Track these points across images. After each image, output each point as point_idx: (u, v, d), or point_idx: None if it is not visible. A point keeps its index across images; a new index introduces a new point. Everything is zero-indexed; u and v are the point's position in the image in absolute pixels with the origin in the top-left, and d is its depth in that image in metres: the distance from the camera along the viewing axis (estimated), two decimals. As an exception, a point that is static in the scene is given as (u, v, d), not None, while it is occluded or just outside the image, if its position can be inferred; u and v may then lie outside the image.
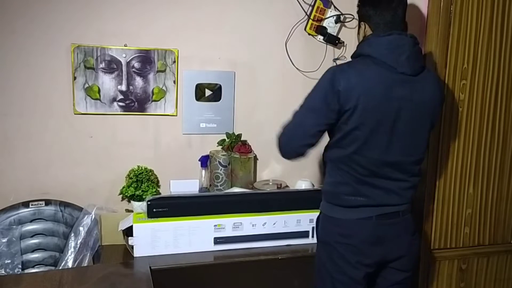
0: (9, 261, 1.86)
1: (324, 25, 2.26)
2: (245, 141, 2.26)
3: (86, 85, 2.06)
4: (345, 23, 2.32)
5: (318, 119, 1.53)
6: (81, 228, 1.94)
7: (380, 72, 1.51)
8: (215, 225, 1.80)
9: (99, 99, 2.09)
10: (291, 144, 1.60)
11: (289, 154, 1.63)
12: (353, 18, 2.30)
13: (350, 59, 1.65)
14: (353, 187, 1.56)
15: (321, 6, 2.24)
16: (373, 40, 1.56)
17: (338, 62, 2.33)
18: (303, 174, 2.36)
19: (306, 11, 2.25)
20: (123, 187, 2.06)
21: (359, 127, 1.50)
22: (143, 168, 2.10)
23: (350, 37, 2.34)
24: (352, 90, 1.48)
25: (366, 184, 1.56)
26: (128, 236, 1.78)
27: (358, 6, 1.67)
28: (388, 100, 1.50)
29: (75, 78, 2.05)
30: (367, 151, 1.52)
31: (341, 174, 1.58)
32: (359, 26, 1.67)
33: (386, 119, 1.51)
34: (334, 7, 2.27)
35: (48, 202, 2.01)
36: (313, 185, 2.24)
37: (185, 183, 2.15)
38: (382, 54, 1.52)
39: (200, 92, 2.21)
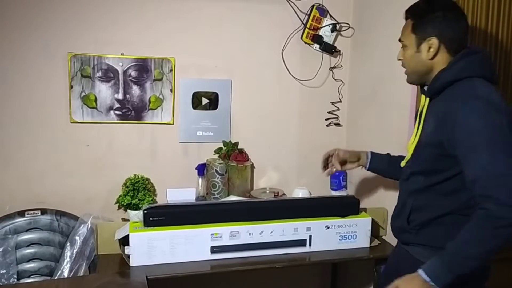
0: (4, 271, 1.85)
1: (320, 34, 2.28)
2: (242, 149, 2.26)
3: (83, 94, 2.06)
4: (341, 32, 2.33)
5: None
6: (77, 238, 1.93)
7: None
8: (212, 234, 1.79)
9: (96, 108, 2.09)
10: None
11: None
12: (349, 27, 2.31)
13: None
14: None
15: (317, 15, 2.25)
16: None
17: (335, 70, 2.35)
18: (300, 182, 2.36)
19: (302, 20, 2.27)
20: (120, 196, 2.06)
21: None
22: (139, 176, 2.09)
23: (346, 46, 2.35)
24: None
25: None
26: (124, 245, 1.77)
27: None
28: None
29: (71, 87, 2.05)
30: None
31: None
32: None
33: None
34: (330, 16, 2.29)
35: (44, 211, 2.00)
36: (310, 193, 2.24)
37: (181, 191, 2.14)
38: None
39: (197, 101, 2.22)
